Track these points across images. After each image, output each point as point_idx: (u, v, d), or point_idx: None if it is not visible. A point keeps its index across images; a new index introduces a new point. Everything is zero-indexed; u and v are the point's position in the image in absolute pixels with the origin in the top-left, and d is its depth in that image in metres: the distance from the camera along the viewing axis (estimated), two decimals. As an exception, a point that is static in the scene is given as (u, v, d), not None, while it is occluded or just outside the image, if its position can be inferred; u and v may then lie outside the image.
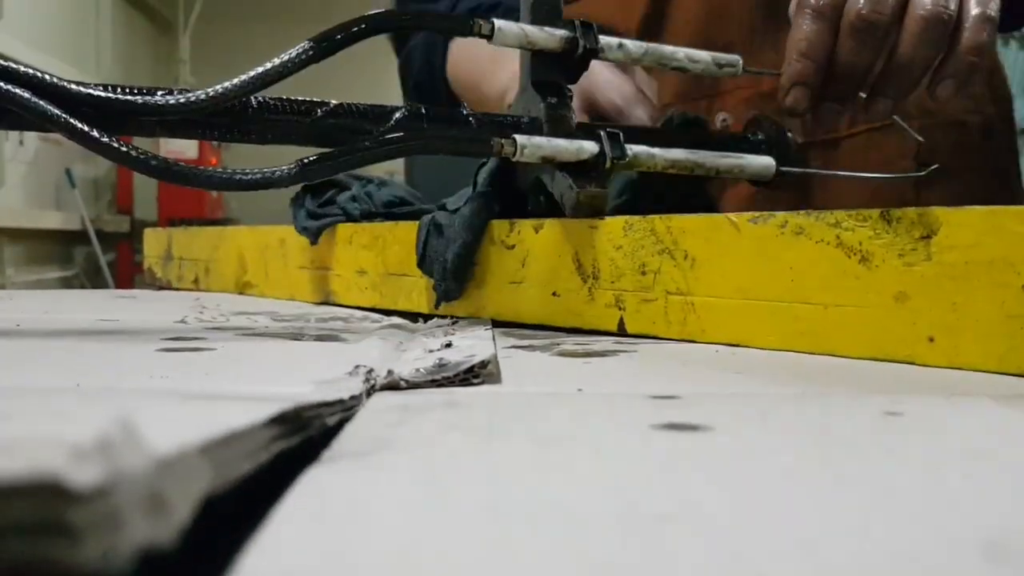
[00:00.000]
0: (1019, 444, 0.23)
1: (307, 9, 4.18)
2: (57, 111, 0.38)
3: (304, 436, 0.19)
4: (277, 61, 0.43)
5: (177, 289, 0.93)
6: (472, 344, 0.36)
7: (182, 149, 3.41)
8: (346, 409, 0.24)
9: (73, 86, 0.40)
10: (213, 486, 0.14)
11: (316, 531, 0.14)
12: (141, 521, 0.12)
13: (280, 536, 0.14)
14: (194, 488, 0.13)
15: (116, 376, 0.31)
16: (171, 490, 0.13)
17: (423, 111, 0.47)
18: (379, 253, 0.62)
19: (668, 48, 0.54)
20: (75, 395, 0.22)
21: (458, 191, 0.57)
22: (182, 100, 0.41)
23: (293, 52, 0.43)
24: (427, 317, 0.54)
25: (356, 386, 0.28)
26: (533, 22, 0.49)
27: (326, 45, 0.44)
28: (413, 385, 0.29)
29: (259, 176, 0.42)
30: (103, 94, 0.40)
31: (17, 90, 0.38)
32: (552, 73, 0.50)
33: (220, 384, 0.30)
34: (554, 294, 0.48)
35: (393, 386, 0.29)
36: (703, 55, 0.54)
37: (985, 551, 0.13)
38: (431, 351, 0.35)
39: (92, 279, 3.37)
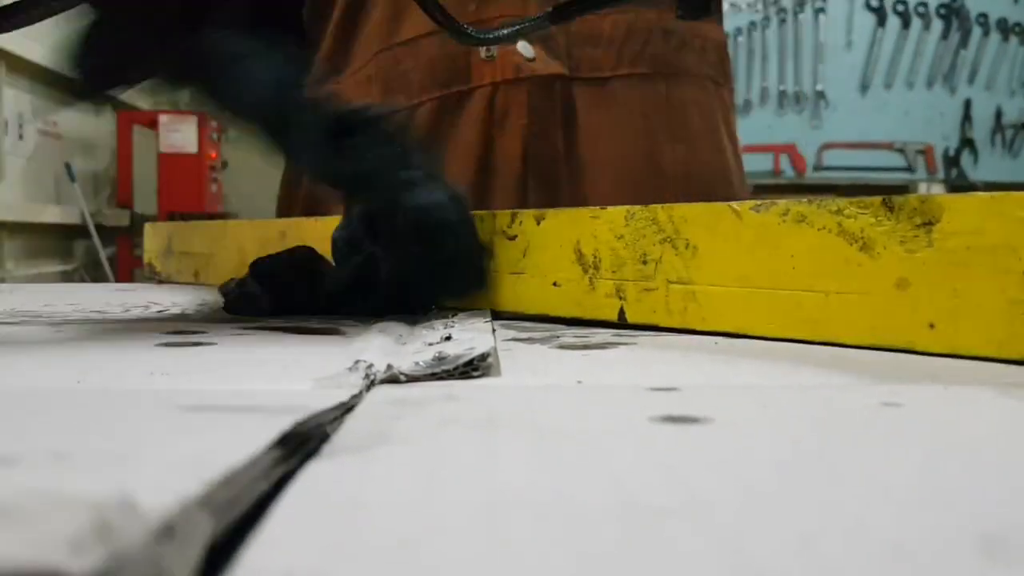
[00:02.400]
0: (1018, 435, 0.22)
1: (305, 0, 4.16)
2: None
3: (304, 452, 0.19)
4: None
5: (177, 283, 0.93)
6: (471, 337, 0.36)
7: (182, 144, 3.42)
8: (347, 410, 0.24)
9: None
10: (214, 533, 0.14)
11: (316, 526, 0.14)
12: None
13: (280, 531, 0.14)
14: (195, 547, 0.13)
15: (116, 373, 0.31)
16: (172, 559, 0.13)
17: None
18: (379, 245, 0.62)
19: None
20: (74, 421, 0.21)
21: None
22: None
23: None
24: (427, 309, 0.54)
25: (356, 382, 0.28)
26: None
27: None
28: (412, 379, 0.29)
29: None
30: None
31: None
32: None
33: (220, 384, 0.30)
34: (555, 284, 0.48)
35: (393, 380, 0.29)
36: None
37: (983, 544, 0.13)
38: (430, 344, 0.35)
39: (92, 273, 3.37)
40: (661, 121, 0.76)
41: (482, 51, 0.74)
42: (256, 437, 0.18)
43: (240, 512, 0.15)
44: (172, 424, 0.21)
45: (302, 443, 0.20)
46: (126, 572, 0.12)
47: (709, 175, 0.78)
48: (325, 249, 0.69)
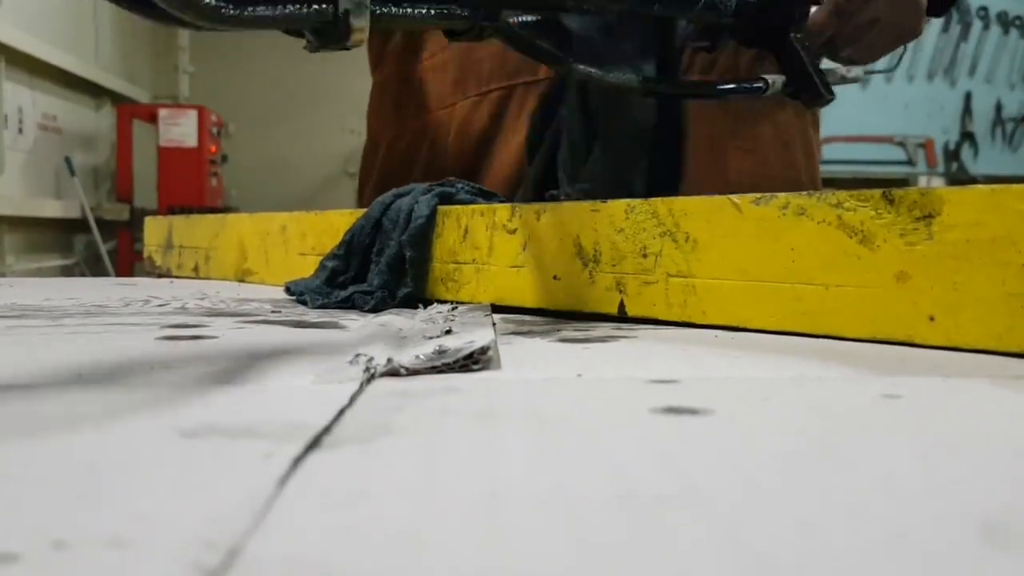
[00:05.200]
0: (1016, 426, 0.23)
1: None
2: None
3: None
4: None
5: (177, 277, 0.93)
6: (472, 330, 0.36)
7: (182, 138, 3.41)
8: (349, 400, 0.24)
9: None
10: None
11: (319, 515, 0.14)
12: None
13: (282, 519, 0.14)
14: None
15: (116, 368, 0.31)
16: None
17: None
18: (379, 239, 0.62)
19: None
20: (72, 483, 0.18)
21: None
22: None
23: None
24: (427, 303, 0.54)
25: (357, 375, 0.28)
26: None
27: None
28: (413, 372, 0.29)
29: None
30: None
31: None
32: None
33: (221, 383, 0.30)
34: (555, 278, 0.48)
35: (393, 373, 0.29)
36: None
37: (983, 532, 0.13)
38: (431, 338, 0.35)
39: (92, 267, 3.37)
40: (726, 129, 0.75)
41: None
42: (262, 483, 0.17)
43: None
44: (173, 465, 0.19)
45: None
46: None
47: (777, 189, 0.76)
48: (323, 242, 0.69)
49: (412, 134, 0.82)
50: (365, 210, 0.60)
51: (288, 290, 0.61)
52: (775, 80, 0.55)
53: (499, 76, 0.76)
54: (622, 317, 0.45)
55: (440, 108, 0.79)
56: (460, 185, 0.59)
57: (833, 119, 3.48)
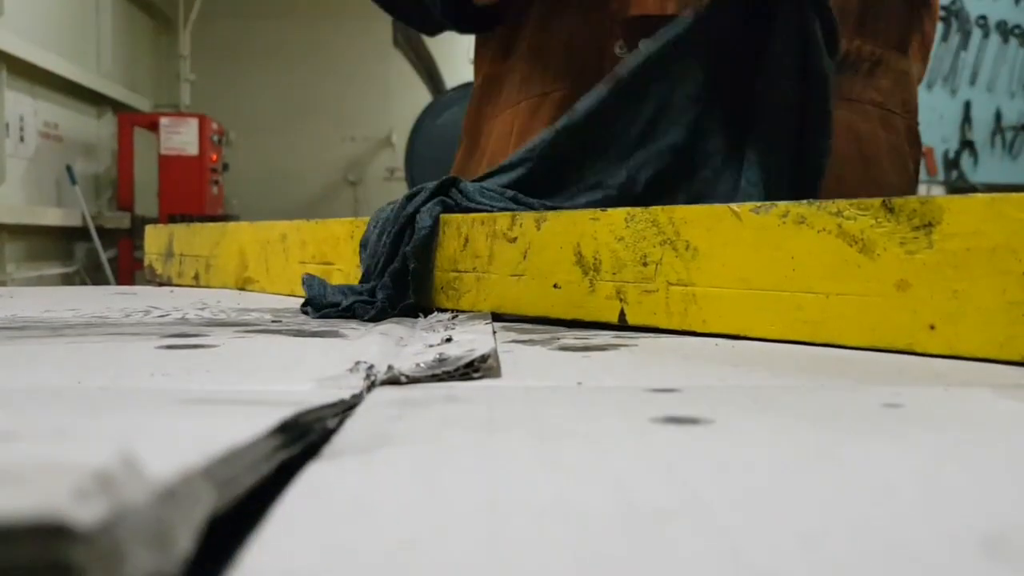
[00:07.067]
0: (1018, 436, 0.22)
1: (306, 7, 4.18)
2: None
3: (306, 442, 0.19)
4: None
5: (178, 285, 0.93)
6: (472, 339, 0.36)
7: (183, 146, 3.42)
8: (347, 408, 0.24)
9: None
10: (216, 507, 0.14)
11: (317, 526, 0.14)
12: (144, 554, 0.12)
13: (281, 531, 0.14)
14: (197, 513, 0.13)
15: (117, 375, 0.31)
16: (174, 520, 0.13)
17: None
18: (380, 247, 0.62)
19: None
20: (75, 408, 0.21)
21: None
22: None
23: None
24: (427, 312, 0.54)
25: (357, 383, 0.28)
26: None
27: None
28: (413, 380, 0.29)
29: None
30: None
31: None
32: None
33: (221, 383, 0.30)
34: (555, 286, 0.48)
35: (393, 381, 0.29)
36: None
37: (984, 545, 0.13)
38: (431, 346, 0.35)
39: (93, 276, 3.37)
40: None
41: (616, 48, 0.72)
42: (257, 424, 0.18)
43: (243, 489, 0.15)
44: (174, 413, 0.21)
45: (302, 434, 0.20)
46: (129, 525, 0.11)
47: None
48: (323, 251, 0.69)
49: (492, 136, 0.81)
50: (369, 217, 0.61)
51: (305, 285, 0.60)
52: None
53: (563, 76, 0.74)
54: (622, 325, 0.45)
55: (507, 108, 0.78)
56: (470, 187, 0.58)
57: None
